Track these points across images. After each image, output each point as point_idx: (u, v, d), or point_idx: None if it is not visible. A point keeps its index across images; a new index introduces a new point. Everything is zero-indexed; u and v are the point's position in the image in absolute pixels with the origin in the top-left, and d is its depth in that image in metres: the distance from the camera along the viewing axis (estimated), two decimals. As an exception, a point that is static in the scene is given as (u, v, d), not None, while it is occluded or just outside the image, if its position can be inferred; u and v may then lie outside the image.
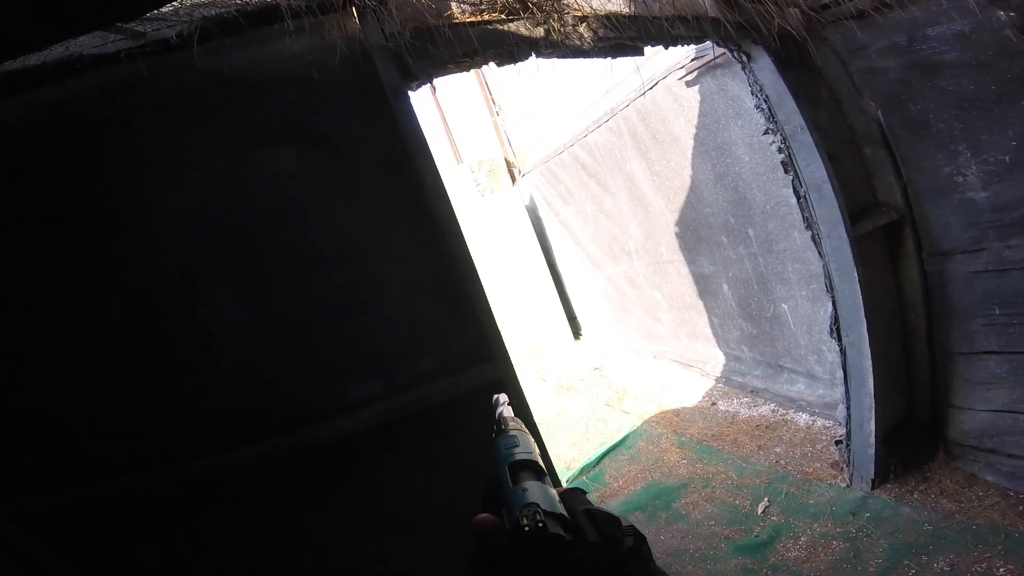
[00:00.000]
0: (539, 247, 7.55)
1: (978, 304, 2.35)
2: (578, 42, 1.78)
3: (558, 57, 1.91)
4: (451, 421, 1.78)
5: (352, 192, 1.67)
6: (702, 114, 3.70)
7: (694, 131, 3.86)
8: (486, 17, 1.65)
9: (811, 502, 2.82)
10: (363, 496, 1.80)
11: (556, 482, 0.81)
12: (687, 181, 4.18)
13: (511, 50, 1.76)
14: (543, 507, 0.60)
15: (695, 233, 4.41)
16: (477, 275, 1.69)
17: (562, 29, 1.73)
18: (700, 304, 4.87)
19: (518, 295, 7.53)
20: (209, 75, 1.53)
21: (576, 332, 7.90)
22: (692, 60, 3.34)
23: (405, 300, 1.74)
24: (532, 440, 0.82)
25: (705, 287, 4.70)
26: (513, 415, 0.95)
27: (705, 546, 2.79)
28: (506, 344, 1.76)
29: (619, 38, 1.88)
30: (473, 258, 1.68)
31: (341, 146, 1.64)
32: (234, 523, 1.68)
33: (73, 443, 1.62)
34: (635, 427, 4.50)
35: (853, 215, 2.40)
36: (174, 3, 1.40)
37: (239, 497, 1.67)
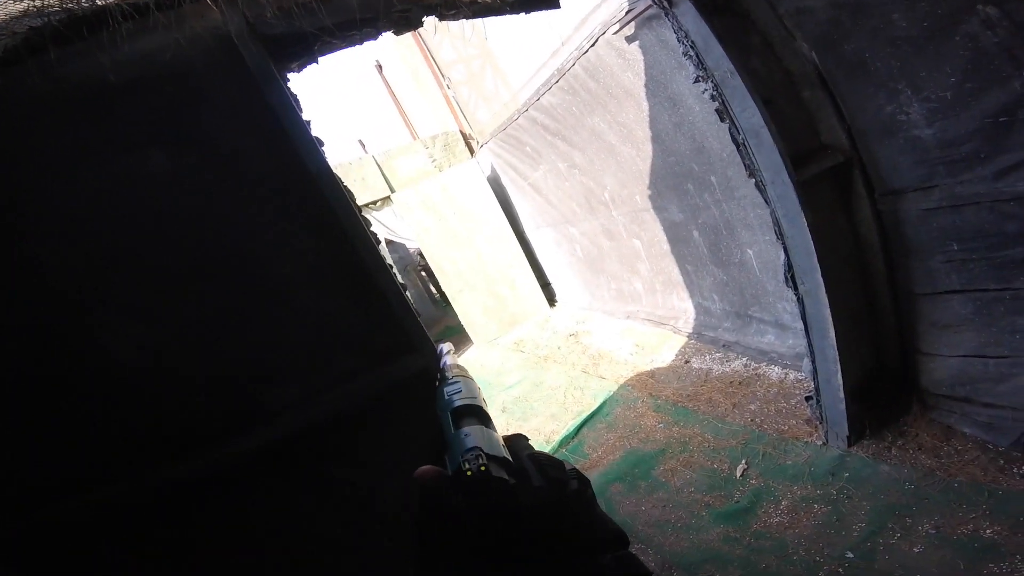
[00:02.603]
0: (504, 217, 7.36)
1: (935, 241, 2.28)
2: (478, -1, 1.59)
3: (463, 17, 1.71)
4: (383, 418, 1.72)
5: (237, 190, 1.51)
6: (648, 67, 3.55)
7: (644, 83, 3.72)
8: (365, -20, 1.44)
9: (789, 463, 2.79)
10: (301, 507, 1.73)
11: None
12: (648, 132, 4.08)
13: (403, 15, 1.56)
14: (485, 451, 0.58)
15: (664, 182, 4.35)
16: (385, 265, 1.58)
17: (457, -14, 1.53)
18: (674, 251, 4.86)
19: (488, 267, 7.39)
20: (57, 86, 1.35)
21: (551, 299, 7.84)
22: (626, 13, 3.14)
23: (312, 299, 1.63)
24: (476, 385, 0.80)
25: (677, 234, 4.67)
26: (457, 362, 0.92)
27: (687, 515, 2.77)
28: (427, 331, 1.66)
29: (526, -10, 1.69)
30: (378, 248, 1.56)
31: (218, 142, 1.47)
32: (170, 540, 1.60)
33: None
34: (611, 392, 4.49)
35: (797, 159, 2.29)
36: None
37: (171, 515, 1.58)
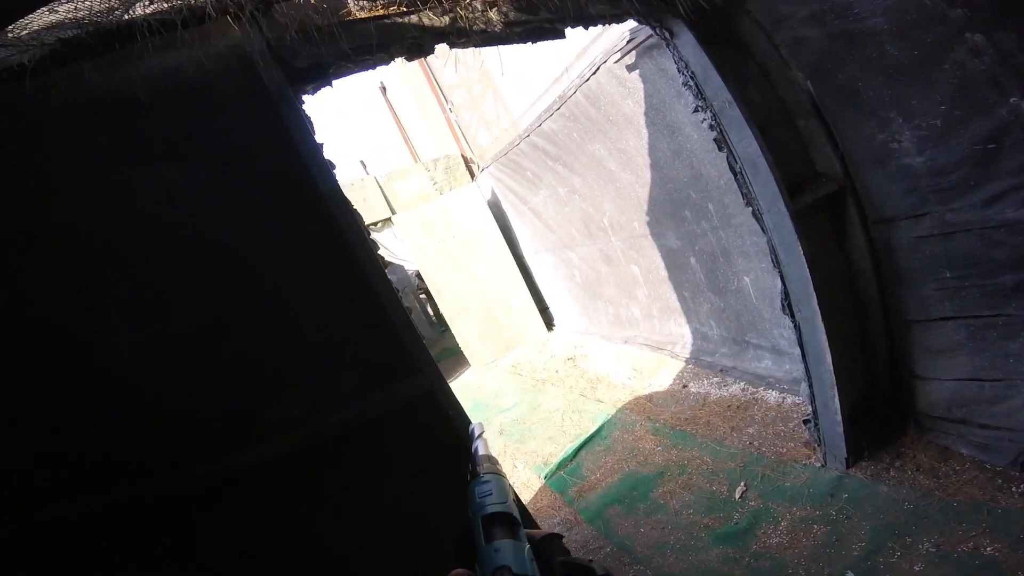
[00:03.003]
0: (504, 241, 7.44)
1: (927, 269, 2.33)
2: (489, 28, 1.67)
3: (473, 46, 1.79)
4: (386, 435, 1.72)
5: (249, 204, 1.55)
6: (648, 95, 3.67)
7: (644, 111, 3.84)
8: (384, 11, 1.52)
9: (788, 484, 2.79)
10: (303, 517, 1.72)
11: (531, 524, 0.74)
12: (648, 159, 4.17)
13: (417, 42, 1.63)
14: (515, 570, 0.60)
15: (662, 208, 4.42)
16: (389, 285, 1.59)
17: (470, 16, 1.60)
18: (672, 278, 4.90)
19: (486, 291, 7.43)
20: (79, 97, 1.40)
21: (549, 323, 7.85)
22: (627, 43, 3.27)
23: (318, 315, 1.65)
24: (507, 484, 0.81)
25: (674, 261, 4.72)
26: (489, 452, 0.93)
27: (685, 536, 2.74)
28: (430, 354, 1.68)
29: (534, 20, 1.77)
30: (383, 269, 1.58)
31: (232, 158, 1.52)
32: (163, 551, 1.57)
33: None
34: (610, 416, 4.47)
35: (792, 188, 2.35)
36: (30, 27, 1.24)
37: (162, 526, 1.56)
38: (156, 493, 1.55)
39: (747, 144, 2.29)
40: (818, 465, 2.81)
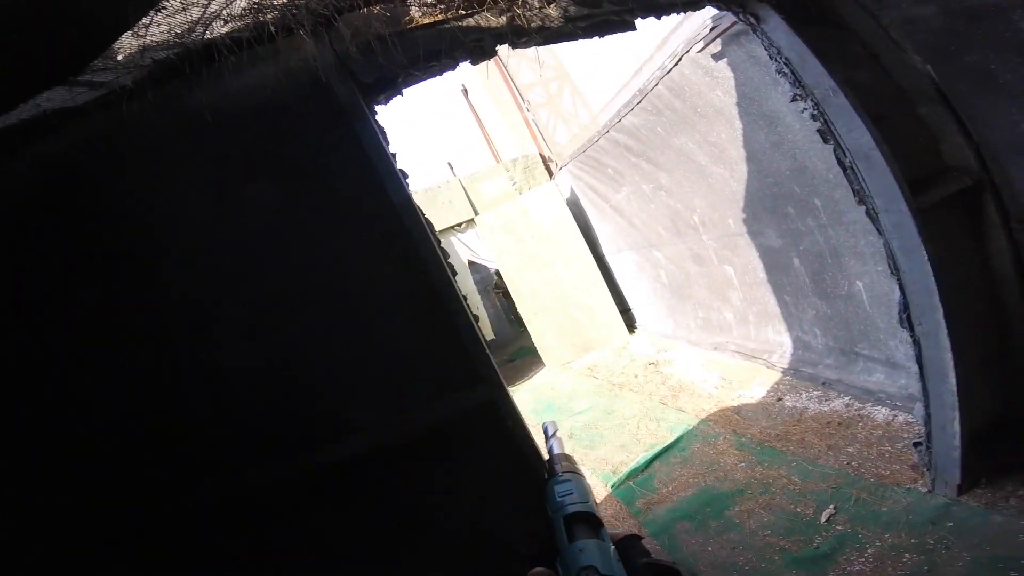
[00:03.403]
0: (583, 239, 7.31)
1: (1085, 273, 1.89)
2: (548, 24, 1.62)
3: (534, 44, 1.75)
4: (448, 442, 1.74)
5: (331, 219, 1.63)
6: (739, 84, 3.39)
7: (735, 101, 3.56)
8: (443, 16, 1.53)
9: (884, 509, 2.49)
10: (367, 517, 1.80)
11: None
12: (743, 151, 3.87)
13: (478, 45, 1.63)
14: (601, 570, 0.60)
15: (761, 204, 4.09)
16: (457, 294, 1.60)
17: (527, 14, 1.57)
18: (771, 280, 4.53)
19: (565, 290, 7.35)
20: (175, 116, 1.54)
21: (630, 325, 7.58)
22: (711, 31, 3.03)
23: (393, 325, 1.69)
24: (586, 484, 0.82)
25: (774, 261, 4.35)
26: (564, 451, 0.95)
27: (756, 558, 2.54)
28: (494, 363, 1.67)
29: (597, 14, 1.69)
30: (451, 276, 1.59)
31: (313, 174, 1.60)
32: (249, 545, 1.74)
33: (115, 475, 1.72)
34: (690, 427, 4.21)
35: (915, 184, 2.02)
36: (123, 51, 1.42)
37: (247, 519, 1.72)
38: (248, 489, 1.68)
39: (858, 135, 2.01)
40: (924, 490, 2.49)
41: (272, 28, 1.44)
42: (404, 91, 1.74)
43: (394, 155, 1.62)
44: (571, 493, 0.75)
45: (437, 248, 1.61)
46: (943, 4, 1.69)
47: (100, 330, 1.63)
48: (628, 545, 0.71)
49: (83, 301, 1.63)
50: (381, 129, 1.63)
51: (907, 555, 2.18)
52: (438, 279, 1.59)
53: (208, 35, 1.39)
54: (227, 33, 1.40)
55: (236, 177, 1.61)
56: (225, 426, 1.69)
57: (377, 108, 1.72)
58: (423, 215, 1.65)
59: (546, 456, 1.05)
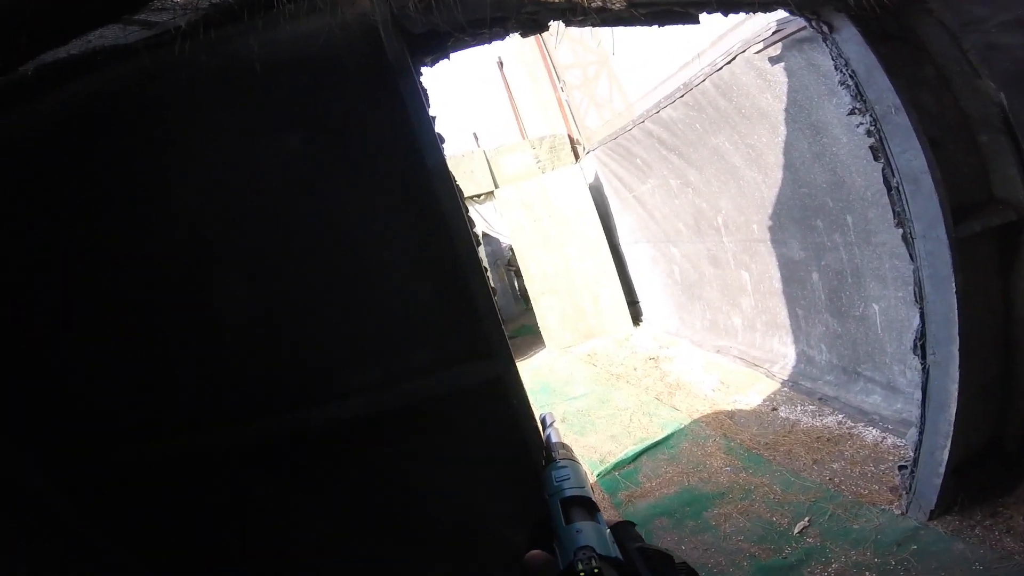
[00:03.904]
0: (600, 227, 7.25)
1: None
2: (609, 5, 1.57)
3: (591, 24, 1.70)
4: (447, 416, 1.74)
5: (358, 175, 1.61)
6: (792, 90, 3.32)
7: (784, 107, 3.49)
8: (502, -17, 1.49)
9: (856, 527, 2.58)
10: (356, 485, 1.79)
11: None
12: (781, 158, 3.82)
13: (532, 17, 1.59)
14: (598, 551, 0.59)
15: (789, 214, 4.05)
16: (480, 267, 1.59)
17: (591, -7, 1.52)
18: (786, 291, 4.51)
19: (574, 275, 7.33)
20: (223, 60, 1.51)
21: (636, 318, 7.58)
22: (773, 33, 2.94)
23: (404, 288, 1.67)
24: (583, 470, 0.83)
25: (793, 273, 4.33)
26: (562, 440, 0.96)
27: (726, 562, 2.63)
28: (507, 340, 1.66)
29: (664, 2, 1.64)
30: (476, 249, 1.58)
31: (349, 128, 1.58)
32: (226, 501, 1.75)
33: (101, 411, 1.72)
34: (682, 425, 4.25)
35: (958, 212, 1.99)
36: None
37: (231, 475, 1.73)
38: (236, 442, 1.69)
39: (911, 157, 1.98)
40: (897, 512, 2.58)
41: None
42: (452, 55, 1.71)
43: (434, 118, 1.60)
44: (568, 478, 0.76)
45: (465, 216, 1.60)
46: (1035, 35, 1.63)
47: (99, 253, 1.62)
48: (622, 530, 0.72)
49: (96, 227, 1.61)
50: (424, 90, 1.60)
51: (867, 574, 2.27)
52: (463, 247, 1.57)
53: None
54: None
55: (270, 123, 1.59)
56: (214, 371, 1.69)
57: (423, 69, 1.70)
58: (455, 182, 1.63)
59: (544, 444, 1.05)
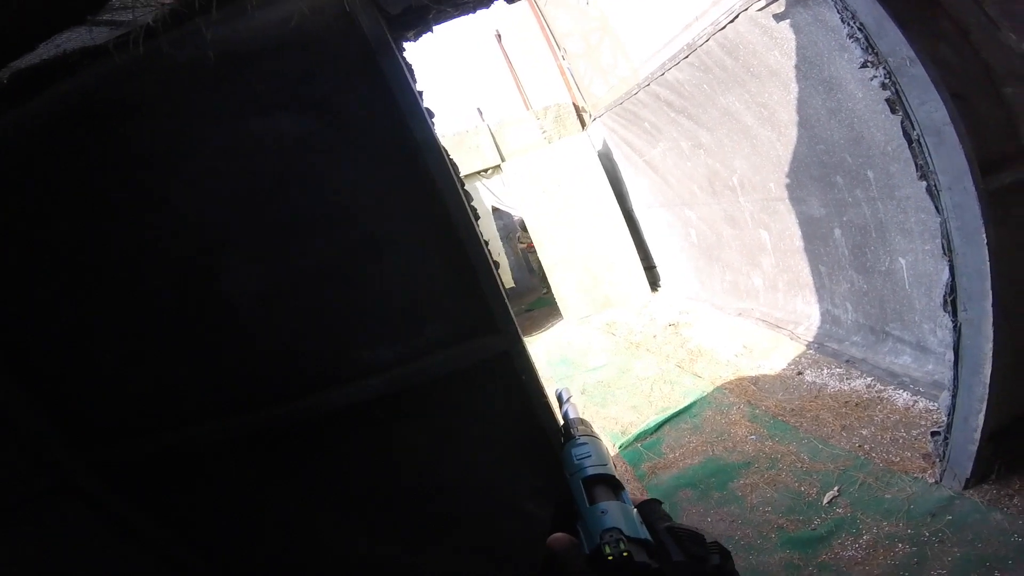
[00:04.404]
0: (612, 193, 7.07)
1: None
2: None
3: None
4: (457, 392, 1.75)
5: (351, 154, 1.59)
6: (800, 47, 3.14)
7: (794, 64, 3.30)
8: (482, -53, 1.39)
9: (887, 496, 2.50)
10: (376, 464, 1.85)
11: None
12: (795, 116, 3.63)
13: (519, -18, 1.49)
14: (626, 532, 0.57)
15: (807, 172, 3.88)
16: (478, 238, 1.56)
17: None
18: (808, 249, 4.36)
19: (588, 244, 7.22)
20: (199, 53, 1.48)
21: (654, 283, 7.46)
22: (774, -11, 2.74)
23: (409, 264, 1.67)
24: (604, 447, 0.80)
25: (814, 231, 4.17)
26: (580, 415, 0.93)
27: (754, 534, 2.59)
28: (512, 314, 1.65)
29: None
30: (474, 222, 1.56)
31: (337, 107, 1.55)
32: (251, 483, 1.83)
33: (126, 404, 1.79)
34: (705, 393, 4.20)
35: (985, 164, 1.85)
36: None
37: (256, 458, 1.79)
38: (258, 425, 1.72)
39: (931, 108, 1.84)
40: (931, 481, 2.48)
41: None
42: (435, 28, 1.64)
43: (420, 93, 1.55)
44: (589, 456, 0.74)
45: (460, 190, 1.57)
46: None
47: (106, 251, 1.66)
48: (649, 510, 0.69)
49: (99, 226, 1.64)
50: (408, 66, 1.55)
51: (900, 545, 2.20)
52: (459, 222, 1.55)
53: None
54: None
55: (256, 109, 1.57)
56: (228, 358, 1.72)
57: (405, 45, 1.63)
58: (448, 156, 1.59)
59: (561, 421, 1.04)
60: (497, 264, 1.73)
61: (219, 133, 1.59)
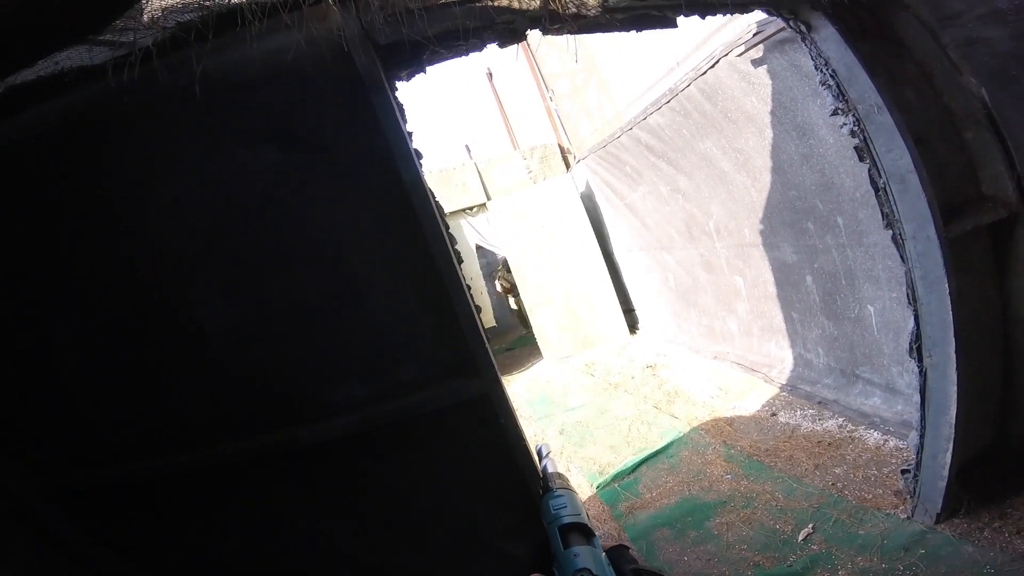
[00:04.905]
0: (593, 235, 7.23)
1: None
2: (584, 12, 1.55)
3: (568, 32, 1.68)
4: (435, 433, 1.72)
5: (334, 191, 1.59)
6: (776, 92, 3.31)
7: (769, 109, 3.47)
8: (474, -7, 1.47)
9: (861, 532, 2.52)
10: (349, 501, 1.79)
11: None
12: (769, 161, 3.80)
13: (509, 27, 1.57)
14: (595, 573, 0.66)
15: (780, 217, 4.03)
16: (461, 283, 1.56)
17: (565, 0, 1.51)
18: (780, 295, 4.49)
19: (569, 284, 7.30)
20: (192, 79, 1.49)
21: (632, 326, 7.53)
22: (754, 35, 2.95)
23: (389, 304, 1.66)
24: (578, 499, 0.88)
25: (787, 277, 4.30)
26: (558, 469, 1.02)
27: (731, 572, 2.57)
28: (492, 357, 1.63)
29: (639, 7, 1.62)
30: (457, 265, 1.56)
31: (323, 144, 1.56)
32: (214, 516, 1.73)
33: (87, 432, 1.72)
34: (681, 434, 4.19)
35: (948, 211, 1.97)
36: (148, 11, 1.38)
37: (224, 491, 1.70)
38: (223, 458, 1.66)
39: (897, 156, 1.95)
40: (903, 516, 2.51)
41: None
42: (428, 68, 1.69)
43: (410, 133, 1.57)
44: (565, 506, 0.82)
45: (445, 233, 1.57)
46: (1011, 27, 1.62)
47: (71, 275, 1.61)
48: (618, 554, 0.77)
49: (74, 250, 1.60)
50: (400, 105, 1.58)
51: (875, 580, 2.20)
52: (442, 264, 1.55)
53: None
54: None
55: (242, 139, 1.57)
56: (200, 390, 1.67)
57: (398, 84, 1.67)
58: (434, 198, 1.60)
59: (541, 474, 1.12)
60: (480, 308, 1.73)
61: (202, 161, 1.58)
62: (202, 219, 1.59)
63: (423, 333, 1.66)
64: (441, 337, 1.64)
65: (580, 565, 0.67)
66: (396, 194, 1.52)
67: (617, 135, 5.56)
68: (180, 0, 1.47)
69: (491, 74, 9.76)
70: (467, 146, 12.95)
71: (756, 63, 3.16)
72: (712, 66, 3.50)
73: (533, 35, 1.75)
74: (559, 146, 7.70)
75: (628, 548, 0.82)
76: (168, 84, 1.48)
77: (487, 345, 1.61)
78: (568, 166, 7.70)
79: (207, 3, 1.34)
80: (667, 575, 0.75)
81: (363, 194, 1.58)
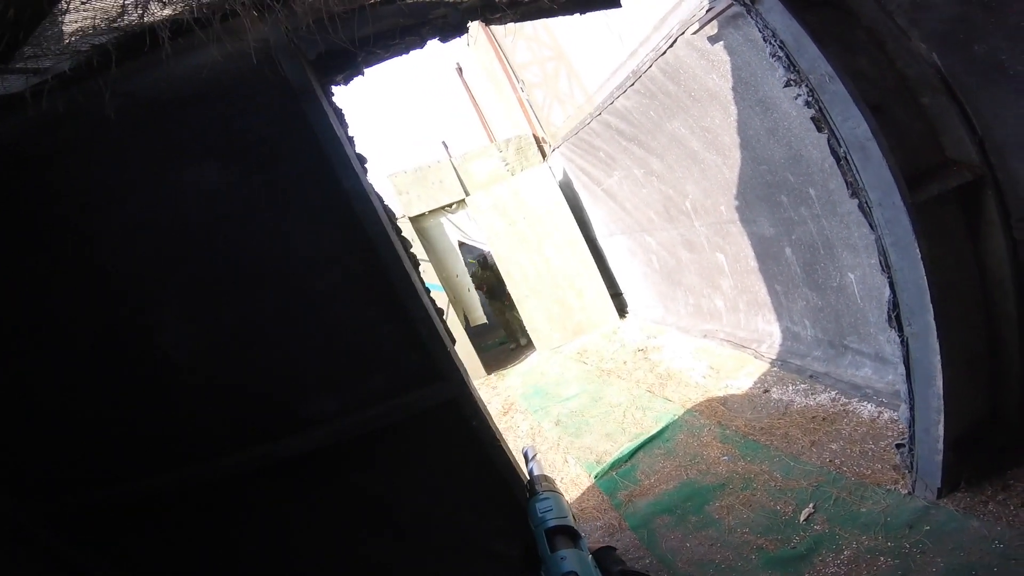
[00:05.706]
0: (575, 223, 7.18)
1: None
2: None
3: (511, 21, 1.62)
4: (412, 440, 1.72)
5: (279, 203, 1.55)
6: (736, 68, 3.26)
7: (731, 86, 3.42)
8: (405, -11, 1.40)
9: (863, 510, 2.47)
10: (330, 511, 1.77)
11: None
12: (736, 138, 3.75)
13: (445, 20, 1.50)
14: (580, 574, 0.67)
15: (754, 192, 3.99)
16: (415, 288, 1.52)
17: (502, -11, 1.43)
18: (762, 269, 4.46)
19: (556, 274, 7.26)
20: (122, 100, 1.44)
21: (621, 310, 7.51)
22: (706, 12, 2.88)
23: (350, 316, 1.64)
24: (565, 501, 0.87)
25: (766, 250, 4.28)
26: (544, 472, 1.00)
27: (734, 556, 2.54)
28: (457, 360, 1.60)
29: (581, -11, 1.56)
30: (410, 270, 1.52)
31: (261, 156, 1.51)
32: (200, 532, 1.71)
33: (68, 457, 1.70)
34: (676, 417, 4.17)
35: (913, 177, 1.92)
36: (62, 37, 1.30)
37: (203, 510, 1.68)
38: (201, 479, 1.64)
39: (854, 124, 1.90)
40: (904, 492, 2.47)
41: (216, 9, 1.31)
42: (365, 71, 1.62)
43: (351, 139, 1.52)
44: (551, 510, 0.82)
45: (395, 238, 1.53)
46: (961, -9, 1.57)
47: (36, 314, 1.59)
48: (604, 555, 0.79)
49: (21, 289, 1.56)
50: (337, 111, 1.52)
51: (882, 559, 2.16)
52: (393, 271, 1.52)
53: (146, 18, 1.25)
54: (167, 16, 1.27)
55: (179, 159, 1.54)
56: (168, 413, 1.67)
57: (335, 89, 1.61)
58: (382, 203, 1.55)
59: (527, 477, 1.12)
60: (441, 311, 1.70)
61: (150, 183, 1.54)
62: (153, 245, 1.57)
63: (385, 342, 1.64)
64: (403, 345, 1.62)
65: (567, 568, 0.68)
66: (337, 203, 1.49)
67: (587, 122, 5.50)
68: (92, 23, 1.38)
69: (461, 68, 9.61)
70: (444, 143, 12.77)
71: (712, 40, 3.10)
72: (671, 45, 3.45)
73: (497, 28, 1.68)
74: (534, 136, 7.61)
75: (614, 549, 0.84)
76: (93, 109, 1.42)
77: (449, 349, 1.59)
78: (544, 156, 7.62)
79: (117, 24, 1.25)
80: None
81: (308, 206, 1.55)
